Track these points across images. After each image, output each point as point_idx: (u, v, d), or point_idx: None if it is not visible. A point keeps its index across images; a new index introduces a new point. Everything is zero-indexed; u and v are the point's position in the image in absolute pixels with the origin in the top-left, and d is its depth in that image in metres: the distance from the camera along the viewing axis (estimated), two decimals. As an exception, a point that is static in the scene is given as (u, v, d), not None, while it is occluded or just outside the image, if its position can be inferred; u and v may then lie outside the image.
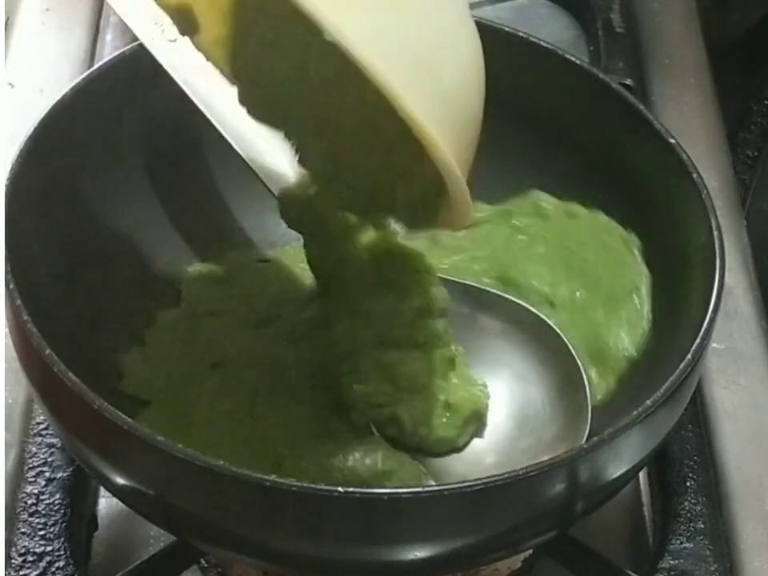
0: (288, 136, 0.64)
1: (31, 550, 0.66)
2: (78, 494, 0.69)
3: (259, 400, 0.66)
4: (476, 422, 0.66)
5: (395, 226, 0.66)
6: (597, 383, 0.67)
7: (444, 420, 0.65)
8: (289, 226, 0.67)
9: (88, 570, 0.68)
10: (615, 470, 0.58)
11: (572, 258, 0.71)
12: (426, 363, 0.65)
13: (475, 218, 0.72)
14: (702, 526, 0.69)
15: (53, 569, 0.66)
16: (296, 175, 0.67)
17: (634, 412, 0.58)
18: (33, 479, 0.69)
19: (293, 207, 0.66)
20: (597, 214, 0.72)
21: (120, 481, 0.58)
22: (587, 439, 0.63)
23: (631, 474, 0.60)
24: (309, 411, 0.65)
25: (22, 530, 0.67)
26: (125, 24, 0.68)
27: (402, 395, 0.64)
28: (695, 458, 0.72)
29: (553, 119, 0.74)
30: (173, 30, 0.66)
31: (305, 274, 0.72)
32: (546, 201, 0.73)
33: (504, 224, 0.74)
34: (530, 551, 0.69)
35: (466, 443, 0.66)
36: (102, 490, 0.71)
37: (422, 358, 0.65)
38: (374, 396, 0.64)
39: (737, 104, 1.01)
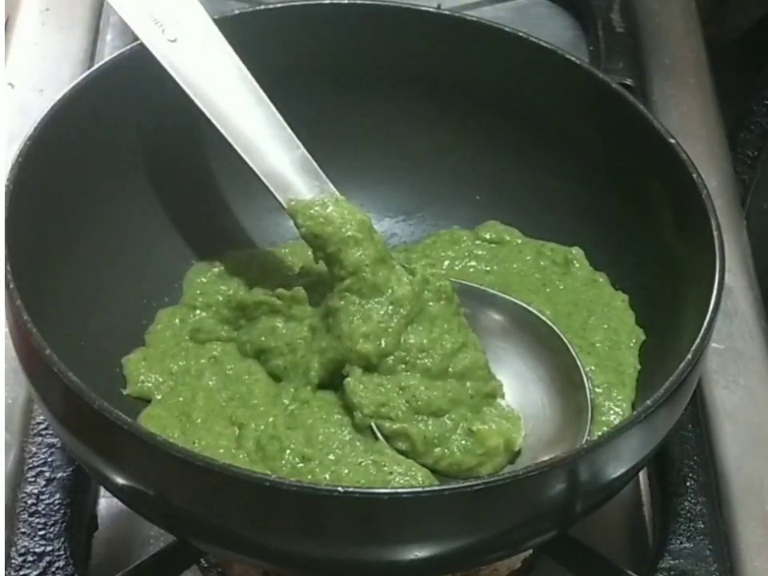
0: None
1: (31, 550, 0.66)
2: (77, 493, 0.69)
3: (260, 395, 0.66)
4: (504, 454, 0.65)
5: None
6: (626, 408, 0.67)
7: (464, 443, 0.64)
8: (302, 237, 0.67)
9: (88, 569, 0.68)
10: (615, 470, 0.58)
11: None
12: (453, 393, 0.65)
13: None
14: (702, 525, 0.69)
15: (53, 569, 0.66)
16: (298, 177, 0.67)
17: (634, 412, 0.58)
18: (33, 479, 0.69)
19: (306, 222, 0.66)
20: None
21: (120, 481, 0.58)
22: (587, 439, 0.64)
23: (631, 474, 0.60)
24: (312, 409, 0.65)
25: (22, 530, 0.67)
26: (125, 24, 0.68)
27: (416, 416, 0.64)
28: (695, 457, 0.72)
29: (553, 119, 0.74)
30: (173, 30, 0.67)
31: (305, 271, 0.72)
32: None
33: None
34: (530, 551, 0.69)
35: (492, 474, 0.64)
36: (102, 490, 0.71)
37: (449, 387, 0.65)
38: (384, 408, 0.64)
39: (737, 104, 1.01)
